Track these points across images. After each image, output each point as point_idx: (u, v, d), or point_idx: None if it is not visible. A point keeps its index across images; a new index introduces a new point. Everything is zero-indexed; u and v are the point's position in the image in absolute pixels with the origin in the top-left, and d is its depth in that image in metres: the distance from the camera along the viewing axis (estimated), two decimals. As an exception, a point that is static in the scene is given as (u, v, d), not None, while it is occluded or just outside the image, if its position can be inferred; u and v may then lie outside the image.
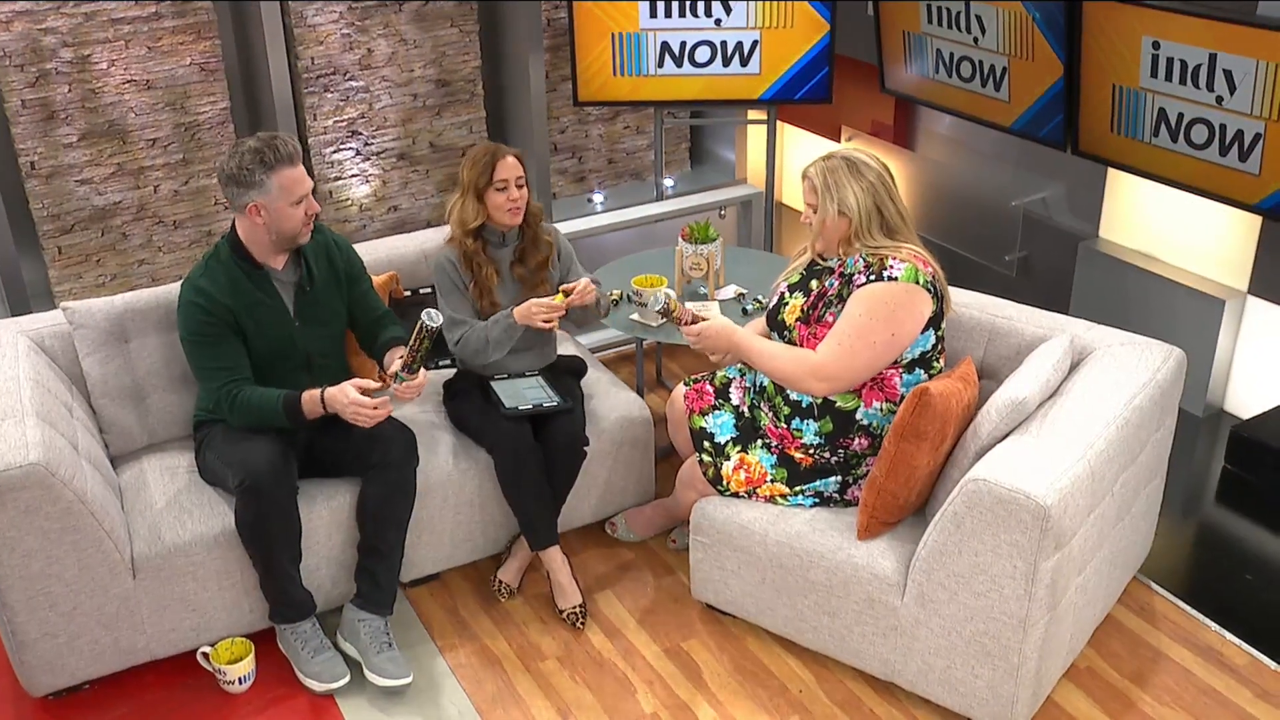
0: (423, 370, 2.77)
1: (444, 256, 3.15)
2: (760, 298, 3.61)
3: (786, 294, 2.88)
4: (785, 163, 4.85)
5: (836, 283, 2.76)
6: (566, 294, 3.04)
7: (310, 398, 2.79)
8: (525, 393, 3.10)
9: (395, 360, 2.87)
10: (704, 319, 2.78)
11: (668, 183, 4.77)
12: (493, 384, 3.11)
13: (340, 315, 3.02)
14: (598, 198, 4.67)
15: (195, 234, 3.98)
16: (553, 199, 4.33)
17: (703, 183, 4.76)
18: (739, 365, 3.09)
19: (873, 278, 2.67)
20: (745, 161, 4.83)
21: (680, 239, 3.67)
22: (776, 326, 2.86)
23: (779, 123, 4.67)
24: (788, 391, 2.82)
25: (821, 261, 2.85)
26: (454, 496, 3.19)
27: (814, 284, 2.84)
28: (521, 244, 3.18)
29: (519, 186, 3.06)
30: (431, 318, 2.61)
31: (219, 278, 2.84)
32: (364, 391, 2.75)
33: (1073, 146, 3.51)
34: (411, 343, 2.69)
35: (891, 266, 2.67)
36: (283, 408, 2.79)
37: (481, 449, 3.16)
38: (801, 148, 4.76)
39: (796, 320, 2.79)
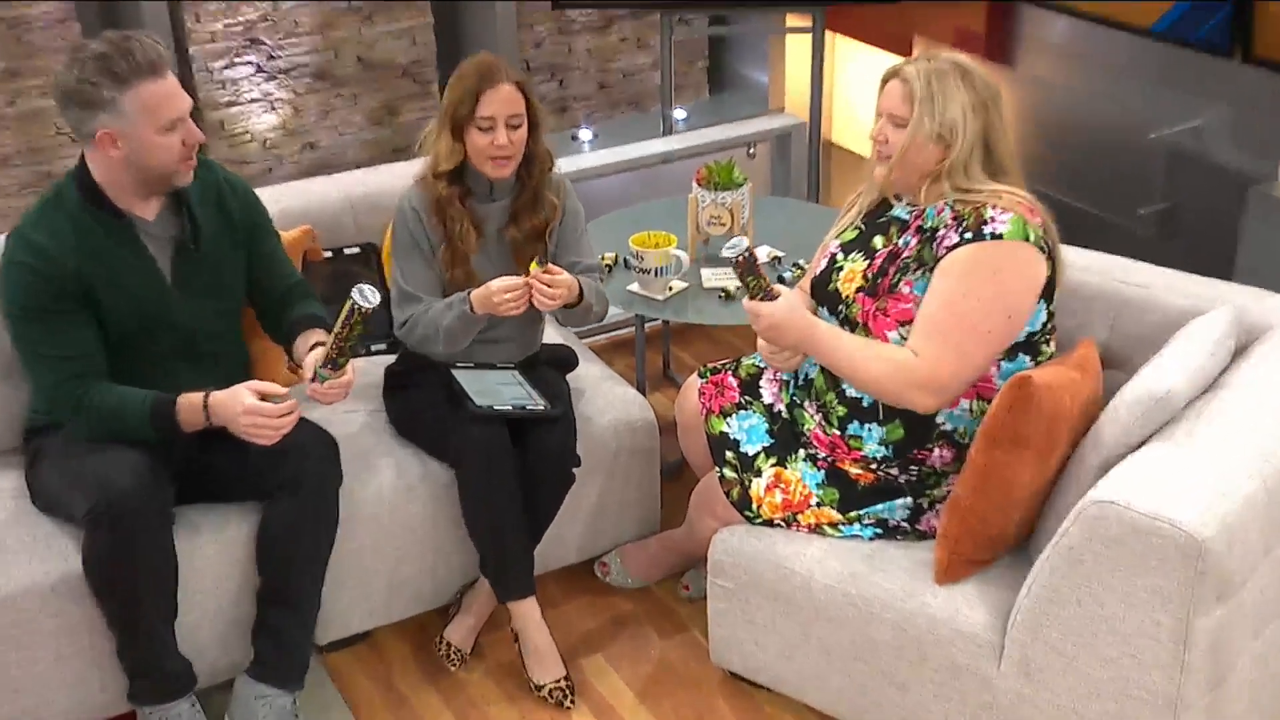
0: (351, 365, 2.74)
1: (407, 201, 3.12)
2: (802, 263, 3.61)
3: (840, 256, 2.86)
4: (835, 86, 4.82)
5: (914, 240, 2.73)
6: (542, 266, 3.00)
7: (189, 404, 2.75)
8: (500, 389, 3.10)
9: (312, 349, 2.85)
10: (778, 292, 2.71)
11: (678, 114, 4.76)
12: (455, 373, 3.11)
13: (236, 283, 3.01)
14: (585, 134, 4.65)
15: (29, 174, 3.91)
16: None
17: (725, 114, 4.74)
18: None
19: (967, 236, 2.64)
20: (782, 85, 4.82)
21: (695, 184, 3.68)
22: (826, 300, 2.85)
23: (827, 32, 4.66)
24: (844, 384, 2.78)
25: (894, 203, 2.82)
26: (393, 526, 3.17)
27: (879, 241, 2.82)
28: (518, 199, 3.14)
29: (512, 126, 3.03)
30: (365, 296, 2.57)
31: (62, 230, 2.76)
32: (264, 397, 2.71)
33: (1244, 52, 3.43)
34: (337, 328, 2.66)
35: (992, 220, 2.64)
36: (150, 415, 2.74)
37: (434, 460, 3.16)
38: (857, 66, 4.74)
39: (857, 291, 2.78)
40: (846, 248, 2.87)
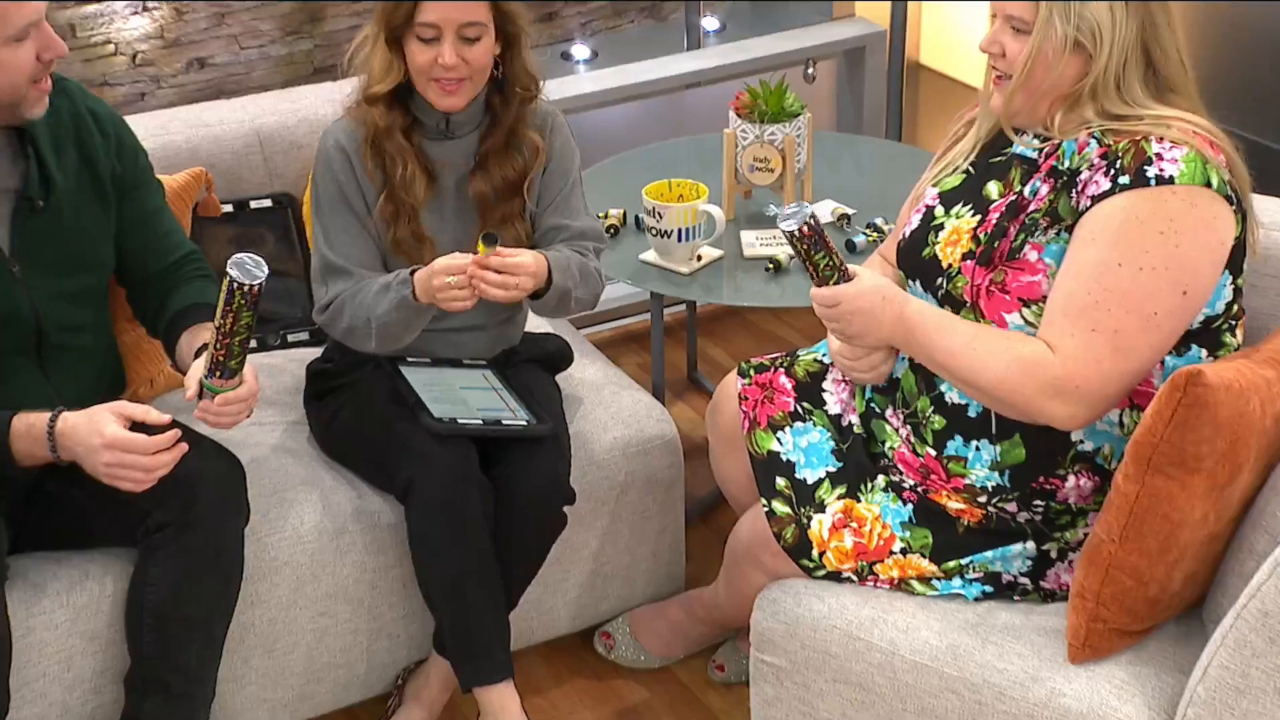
0: (251, 369, 2.77)
1: (333, 137, 3.19)
2: (881, 223, 3.64)
3: (939, 210, 2.86)
4: None
5: (1046, 187, 2.71)
6: (492, 246, 2.99)
7: (27, 429, 2.76)
8: (468, 397, 3.16)
9: (200, 352, 2.88)
10: (853, 273, 2.73)
11: (709, 23, 4.78)
12: (405, 372, 3.19)
13: (101, 254, 3.03)
14: (580, 50, 4.70)
15: None
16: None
17: (770, 24, 4.78)
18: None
19: (1123, 181, 2.61)
20: None
21: (733, 115, 3.69)
22: (919, 271, 2.87)
23: None
24: (941, 384, 2.79)
25: (1015, 138, 2.82)
26: (316, 584, 3.19)
27: (995, 188, 2.82)
28: (487, 139, 3.19)
29: (466, 39, 3.05)
30: (246, 270, 2.61)
31: None
32: (136, 425, 2.73)
33: None
34: (218, 320, 2.69)
35: (1158, 157, 2.61)
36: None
37: (374, 493, 3.21)
38: None
39: (964, 258, 2.78)
40: (949, 199, 2.86)
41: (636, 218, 3.66)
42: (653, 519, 3.45)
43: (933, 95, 4.95)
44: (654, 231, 3.50)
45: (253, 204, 3.50)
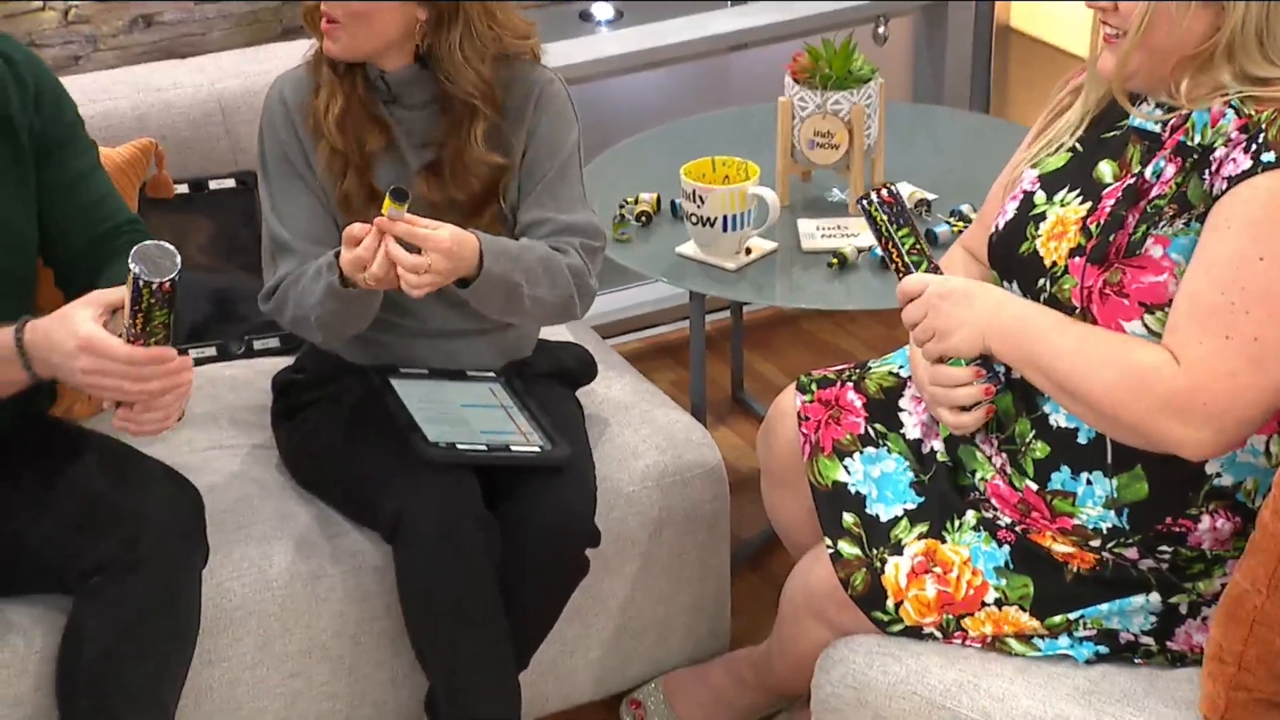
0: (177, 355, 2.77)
1: (278, 91, 3.24)
2: (968, 209, 3.66)
3: (1040, 195, 2.85)
4: None
5: (1171, 167, 2.70)
6: (400, 204, 2.96)
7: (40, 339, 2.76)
8: (470, 417, 3.16)
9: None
10: (938, 269, 2.76)
11: None
12: (395, 385, 3.20)
13: (20, 232, 3.03)
14: (602, 8, 4.77)
15: None
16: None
17: None
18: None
19: (1269, 158, 2.58)
20: None
21: (789, 80, 3.70)
22: (1016, 268, 2.86)
23: None
24: (1044, 403, 2.79)
25: (1132, 109, 2.80)
26: (286, 638, 3.19)
27: (1108, 169, 2.80)
28: (437, 125, 3.22)
29: None
30: (153, 262, 2.62)
31: None
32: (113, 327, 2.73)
33: None
34: (127, 321, 2.71)
35: None
36: None
37: (356, 529, 3.22)
38: None
39: (1072, 254, 2.77)
40: (1051, 182, 2.85)
41: (673, 203, 3.66)
42: (692, 563, 3.44)
43: (1025, 63, 5.03)
44: (694, 219, 3.49)
45: (212, 184, 3.52)
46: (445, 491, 3.06)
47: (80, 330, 2.68)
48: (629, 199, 3.66)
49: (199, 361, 3.54)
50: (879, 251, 3.14)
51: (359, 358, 3.27)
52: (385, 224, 2.92)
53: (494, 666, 3.09)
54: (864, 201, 2.65)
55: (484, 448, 3.08)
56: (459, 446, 3.07)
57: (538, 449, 3.11)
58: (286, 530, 3.19)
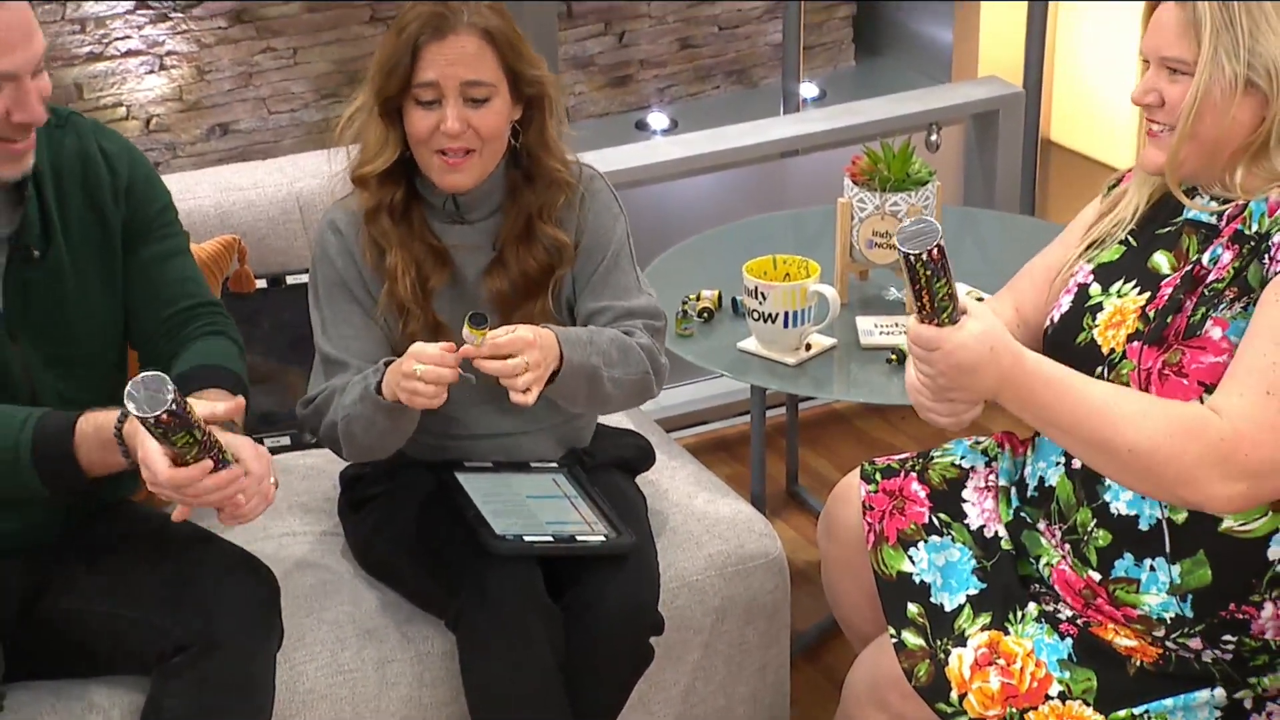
0: (249, 448, 2.74)
1: (329, 217, 3.19)
2: None
3: (1095, 287, 2.84)
4: (1055, 55, 4.92)
5: (1228, 254, 2.68)
6: (481, 329, 2.92)
7: (96, 433, 2.72)
8: (535, 509, 3.11)
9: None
10: (964, 310, 2.66)
11: (808, 90, 4.90)
12: (461, 480, 3.14)
13: (108, 318, 3.00)
14: (658, 119, 4.84)
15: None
16: (565, 118, 4.27)
17: (882, 86, 4.98)
18: (983, 444, 3.07)
19: None
20: (975, 42, 4.95)
21: (848, 181, 3.68)
22: (1071, 359, 2.77)
23: None
24: (1105, 491, 2.75)
25: (1186, 201, 2.78)
26: (357, 716, 3.13)
27: (1165, 260, 2.78)
28: (502, 226, 3.17)
29: (472, 101, 3.03)
30: (148, 395, 2.55)
31: None
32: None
33: None
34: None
35: None
36: (32, 438, 2.73)
37: (428, 617, 3.16)
38: (1095, 13, 4.86)
39: (1130, 340, 2.74)
40: (1106, 275, 2.83)
41: (734, 300, 3.61)
42: (753, 653, 3.37)
43: (1062, 173, 5.00)
44: (756, 315, 3.43)
45: (289, 279, 3.52)
46: (508, 583, 3.01)
47: (136, 449, 2.67)
48: (691, 296, 3.61)
49: (274, 450, 3.55)
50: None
51: (423, 455, 3.22)
52: (472, 352, 2.88)
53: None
54: (913, 256, 2.54)
55: (550, 539, 3.04)
56: (526, 539, 3.02)
57: (603, 537, 3.05)
58: (357, 616, 3.15)
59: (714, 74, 4.85)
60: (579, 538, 3.05)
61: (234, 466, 2.72)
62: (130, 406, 2.55)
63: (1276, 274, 2.58)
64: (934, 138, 4.64)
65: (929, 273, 2.57)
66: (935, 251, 2.55)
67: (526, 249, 3.15)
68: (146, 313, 3.01)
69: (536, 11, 4.27)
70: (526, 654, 2.98)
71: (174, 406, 2.56)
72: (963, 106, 4.72)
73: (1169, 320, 2.66)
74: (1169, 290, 2.70)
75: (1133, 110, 2.87)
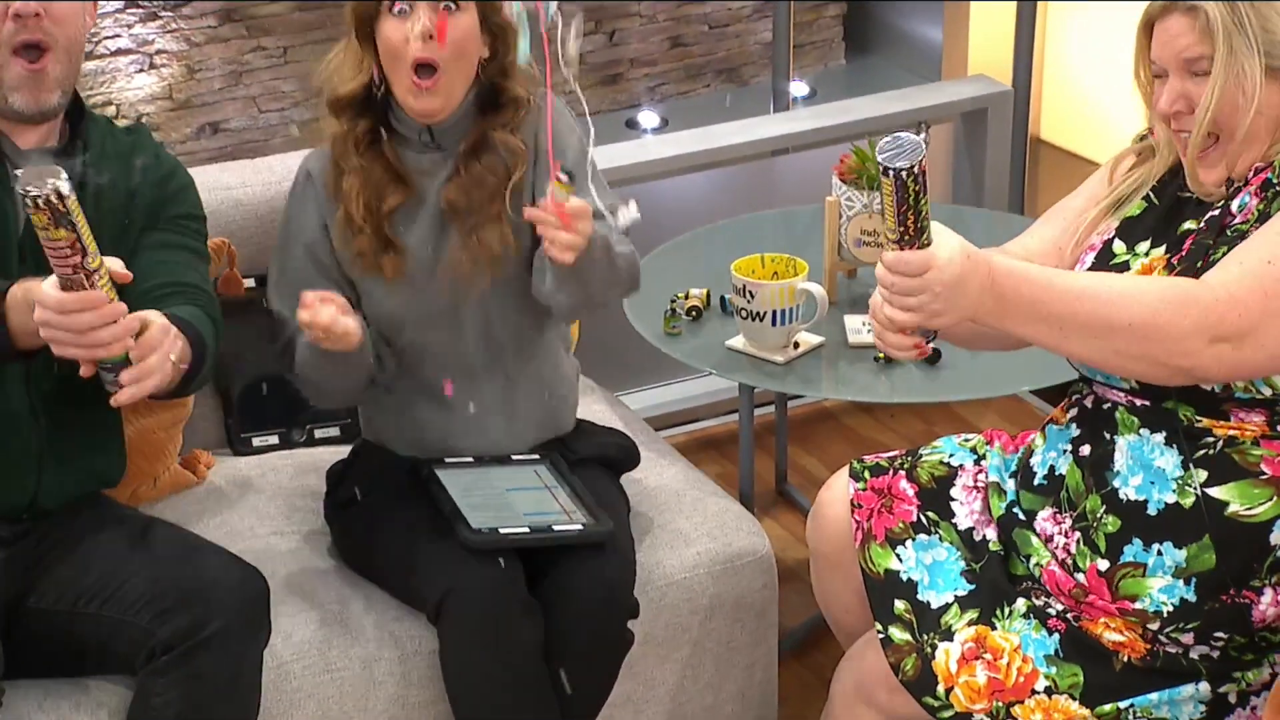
0: (104, 281, 2.65)
1: (304, 170, 3.24)
2: None
3: (1119, 243, 2.81)
4: (1044, 54, 4.93)
5: (1255, 200, 2.67)
6: (569, 185, 2.92)
7: (25, 296, 2.67)
8: (514, 500, 3.11)
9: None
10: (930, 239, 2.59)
11: (798, 89, 4.87)
12: (440, 475, 3.15)
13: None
14: (648, 117, 4.79)
15: None
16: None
17: (872, 85, 4.87)
18: (971, 442, 3.05)
19: None
20: (965, 40, 4.92)
21: (836, 179, 3.66)
22: None
23: None
24: (1115, 479, 2.71)
25: (1198, 193, 2.76)
26: (344, 714, 3.10)
27: (1191, 224, 2.76)
28: (466, 142, 3.19)
29: (445, 6, 3.09)
30: (37, 180, 2.48)
31: None
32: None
33: None
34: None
35: None
36: None
37: (414, 616, 3.14)
38: (1084, 11, 4.83)
39: None
40: (1130, 231, 2.80)
41: (722, 299, 3.60)
42: (741, 651, 3.35)
43: (1052, 171, 5.01)
44: (744, 314, 3.42)
45: None
46: (486, 574, 3.01)
47: (33, 290, 2.61)
48: (679, 294, 3.60)
49: (262, 449, 3.59)
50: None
51: (406, 449, 3.22)
52: (557, 205, 2.91)
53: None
54: (897, 171, 2.44)
55: (526, 530, 3.04)
56: (501, 531, 3.03)
57: (580, 526, 3.06)
58: (344, 615, 3.13)
59: (703, 72, 4.89)
60: (556, 527, 3.05)
61: (118, 303, 2.65)
62: (18, 185, 2.48)
63: None
64: (924, 135, 4.56)
65: (918, 187, 2.50)
66: (923, 162, 2.51)
67: (482, 157, 3.17)
68: (134, 286, 2.92)
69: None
70: (506, 645, 2.98)
71: (66, 191, 2.47)
72: (952, 105, 4.74)
73: (1198, 264, 2.65)
74: (1195, 239, 2.70)
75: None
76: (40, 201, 2.45)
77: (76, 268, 2.54)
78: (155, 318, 2.71)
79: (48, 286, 2.59)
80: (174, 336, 2.73)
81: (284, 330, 3.21)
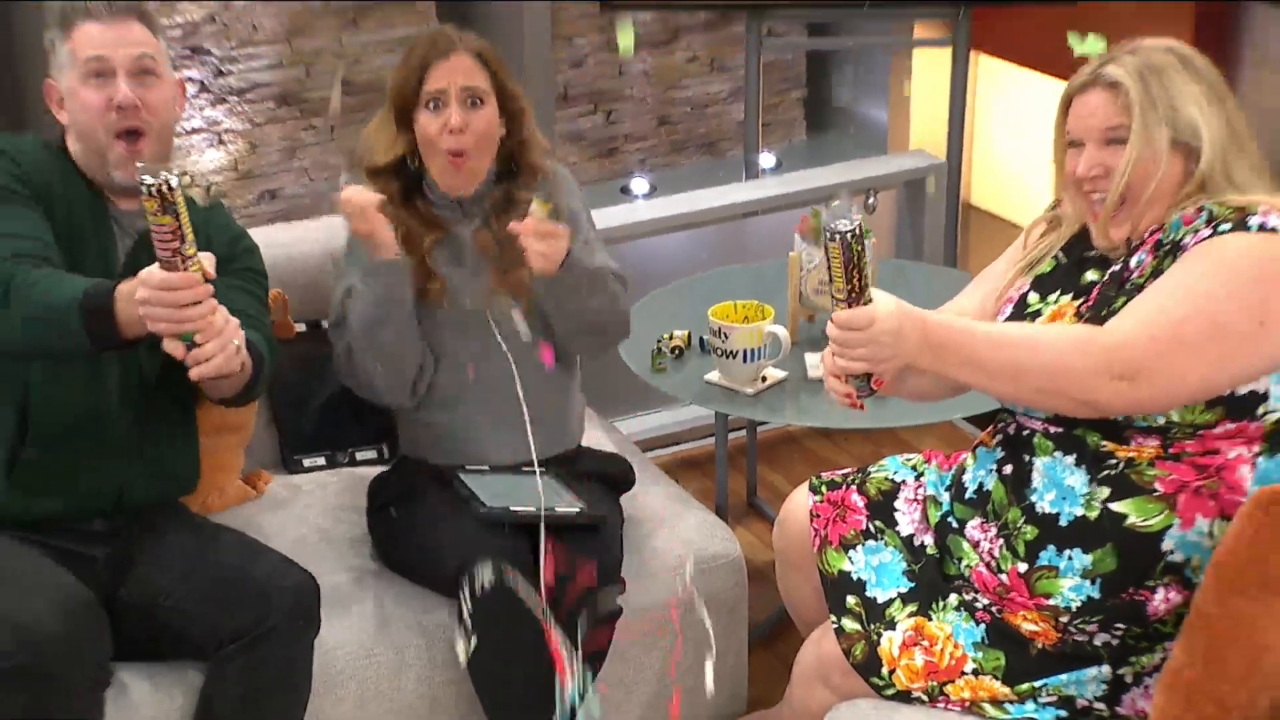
0: (200, 260, 2.64)
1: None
2: None
3: (1032, 295, 2.86)
4: (975, 127, 4.87)
5: (1149, 257, 2.69)
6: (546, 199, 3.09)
7: (131, 293, 2.65)
8: (519, 490, 3.15)
9: None
10: (870, 298, 2.61)
11: (767, 160, 4.87)
12: (463, 477, 3.21)
13: None
14: (639, 184, 4.71)
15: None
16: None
17: (828, 157, 4.80)
18: (912, 461, 3.09)
19: (1224, 228, 2.61)
20: (907, 119, 4.93)
21: (797, 237, 3.70)
22: None
23: (973, 53, 4.72)
24: (1032, 495, 2.75)
25: (1103, 249, 2.82)
26: (381, 698, 3.15)
27: (1094, 275, 2.81)
28: (492, 200, 3.28)
29: (469, 103, 3.17)
30: (148, 168, 2.56)
31: (32, 155, 2.92)
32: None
33: None
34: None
35: (1264, 213, 2.60)
36: (81, 304, 2.67)
37: (440, 608, 3.19)
38: (1008, 95, 4.79)
39: None
40: (1043, 284, 2.85)
41: (701, 339, 3.65)
42: (717, 640, 3.39)
43: (980, 231, 5.01)
44: (719, 352, 3.47)
45: (324, 323, 3.49)
46: (500, 545, 3.03)
47: (139, 276, 2.60)
48: (664, 336, 3.65)
49: (310, 469, 3.62)
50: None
51: (440, 458, 3.26)
52: (535, 224, 3.02)
53: (541, 706, 3.03)
54: (843, 234, 2.47)
55: (532, 509, 3.07)
56: (511, 508, 3.08)
57: (578, 509, 3.11)
58: (380, 610, 3.18)
59: (687, 146, 4.81)
60: (557, 509, 3.09)
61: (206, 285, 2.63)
62: (138, 174, 2.52)
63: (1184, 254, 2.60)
64: (871, 201, 4.64)
65: (860, 248, 2.50)
66: (860, 230, 2.49)
67: (506, 214, 3.21)
68: None
69: (536, 93, 4.25)
70: (516, 608, 2.98)
71: (175, 185, 2.52)
72: (895, 175, 4.74)
73: (1102, 313, 2.66)
74: (1100, 290, 2.72)
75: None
76: (153, 189, 2.50)
77: (175, 252, 2.56)
78: (224, 309, 2.68)
79: (152, 269, 2.58)
80: (236, 325, 2.69)
81: (343, 309, 3.20)
